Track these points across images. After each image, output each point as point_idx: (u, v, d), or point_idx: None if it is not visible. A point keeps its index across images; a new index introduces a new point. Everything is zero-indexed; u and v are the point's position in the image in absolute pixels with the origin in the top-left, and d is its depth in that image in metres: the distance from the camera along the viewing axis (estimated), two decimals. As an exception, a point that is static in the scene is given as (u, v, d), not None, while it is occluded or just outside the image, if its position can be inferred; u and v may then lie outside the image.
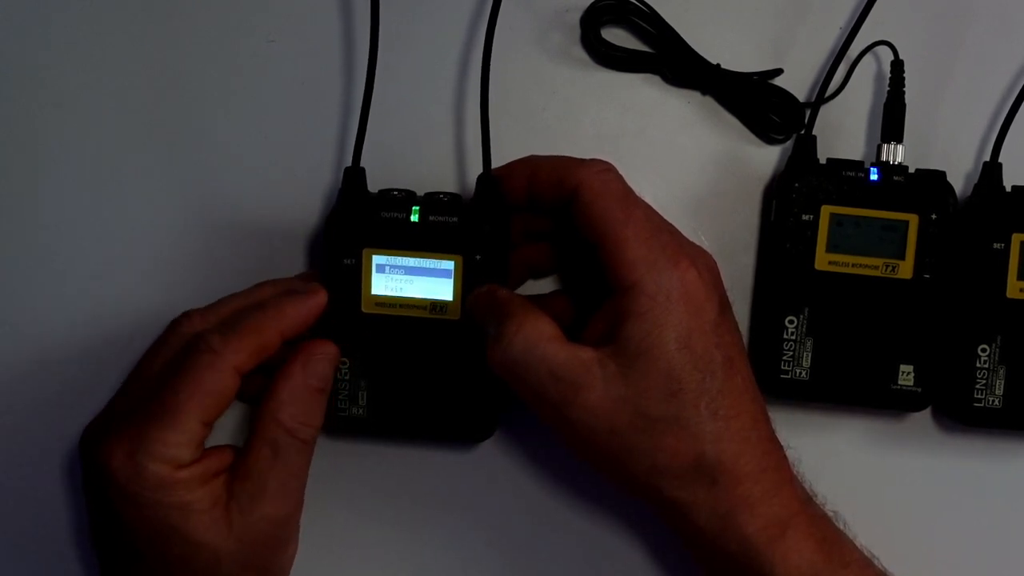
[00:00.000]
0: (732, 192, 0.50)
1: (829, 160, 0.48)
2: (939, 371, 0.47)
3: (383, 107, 0.47)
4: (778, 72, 0.49)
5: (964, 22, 0.50)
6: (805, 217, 0.47)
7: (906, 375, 0.47)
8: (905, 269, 0.47)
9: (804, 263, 0.47)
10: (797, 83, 0.49)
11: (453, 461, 0.50)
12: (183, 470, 0.41)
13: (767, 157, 0.50)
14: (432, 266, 0.45)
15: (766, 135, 0.50)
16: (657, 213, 0.44)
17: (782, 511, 0.42)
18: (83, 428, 0.44)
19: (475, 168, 0.47)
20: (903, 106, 0.48)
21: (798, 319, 0.47)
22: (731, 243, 0.50)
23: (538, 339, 0.41)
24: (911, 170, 0.47)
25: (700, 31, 0.49)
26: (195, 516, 0.41)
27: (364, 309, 0.46)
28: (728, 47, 0.50)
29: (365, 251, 0.45)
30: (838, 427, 0.50)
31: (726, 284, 0.44)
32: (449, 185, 0.50)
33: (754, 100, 0.49)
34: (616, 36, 0.50)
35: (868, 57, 0.49)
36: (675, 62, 0.49)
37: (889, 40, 0.48)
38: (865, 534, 0.44)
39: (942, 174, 0.47)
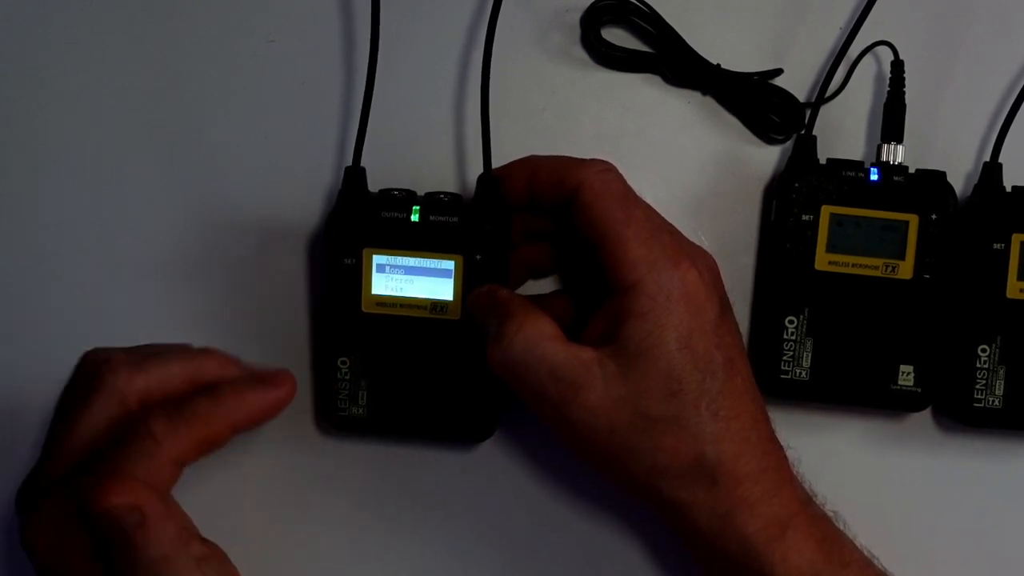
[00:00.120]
0: (732, 192, 0.50)
1: (829, 160, 0.48)
2: (939, 371, 0.47)
3: (383, 107, 0.47)
4: (778, 72, 0.49)
5: (964, 22, 0.50)
6: (805, 217, 0.47)
7: (906, 375, 0.47)
8: (905, 269, 0.47)
9: (804, 263, 0.47)
10: (797, 83, 0.49)
11: (453, 461, 0.50)
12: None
13: (767, 157, 0.50)
14: (432, 266, 0.45)
15: (766, 135, 0.50)
16: (657, 213, 0.44)
17: (782, 511, 0.42)
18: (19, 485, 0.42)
19: (475, 168, 0.47)
20: (903, 106, 0.48)
21: (798, 319, 0.47)
22: (731, 243, 0.50)
23: (538, 339, 0.41)
24: (911, 170, 0.47)
25: (700, 31, 0.49)
26: None
27: (364, 309, 0.46)
28: (728, 47, 0.50)
29: (365, 251, 0.45)
30: (838, 427, 0.50)
31: (726, 284, 0.44)
32: (449, 185, 0.50)
33: (754, 100, 0.49)
34: (616, 36, 0.50)
35: (868, 57, 0.49)
36: (675, 62, 0.49)
37: (889, 40, 0.48)
38: (865, 534, 0.44)
39: (942, 174, 0.47)
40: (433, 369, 0.46)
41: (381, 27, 0.46)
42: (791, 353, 0.47)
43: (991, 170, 0.48)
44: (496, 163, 0.46)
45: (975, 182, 0.49)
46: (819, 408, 0.49)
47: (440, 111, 0.50)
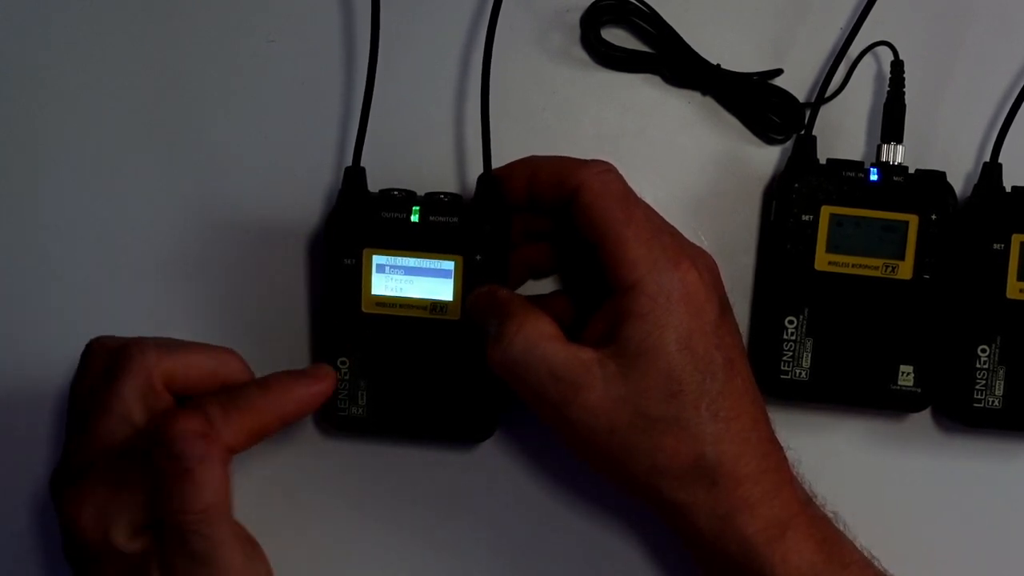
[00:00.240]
0: (732, 192, 0.50)
1: (829, 160, 0.48)
2: (939, 371, 0.47)
3: (383, 107, 0.47)
4: (778, 72, 0.49)
5: (964, 22, 0.50)
6: (805, 217, 0.47)
7: (906, 375, 0.47)
8: (905, 269, 0.47)
9: (804, 263, 0.47)
10: (797, 83, 0.49)
11: (453, 461, 0.50)
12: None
13: (767, 157, 0.50)
14: (432, 266, 0.45)
15: (766, 135, 0.50)
16: (657, 214, 0.44)
17: (782, 512, 0.42)
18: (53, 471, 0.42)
19: (475, 168, 0.47)
20: (903, 106, 0.48)
21: (798, 319, 0.47)
22: (731, 243, 0.50)
23: (538, 339, 0.41)
24: (911, 170, 0.47)
25: (700, 31, 0.49)
26: None
27: (364, 309, 0.46)
28: (728, 47, 0.50)
29: (365, 251, 0.45)
30: (838, 427, 0.50)
31: (726, 284, 0.44)
32: (449, 185, 0.50)
33: (754, 100, 0.49)
34: (616, 36, 0.50)
35: (868, 57, 0.49)
36: (675, 62, 0.49)
37: (889, 40, 0.48)
38: (865, 534, 0.44)
39: (942, 174, 0.47)
40: (433, 369, 0.46)
41: (381, 27, 0.46)
42: (791, 353, 0.47)
43: (991, 170, 0.48)
44: (496, 163, 0.46)
45: (975, 182, 0.49)
46: (819, 408, 0.49)
47: (440, 111, 0.50)
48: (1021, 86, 0.48)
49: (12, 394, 0.50)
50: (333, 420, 0.47)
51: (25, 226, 0.50)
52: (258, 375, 0.44)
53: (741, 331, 0.45)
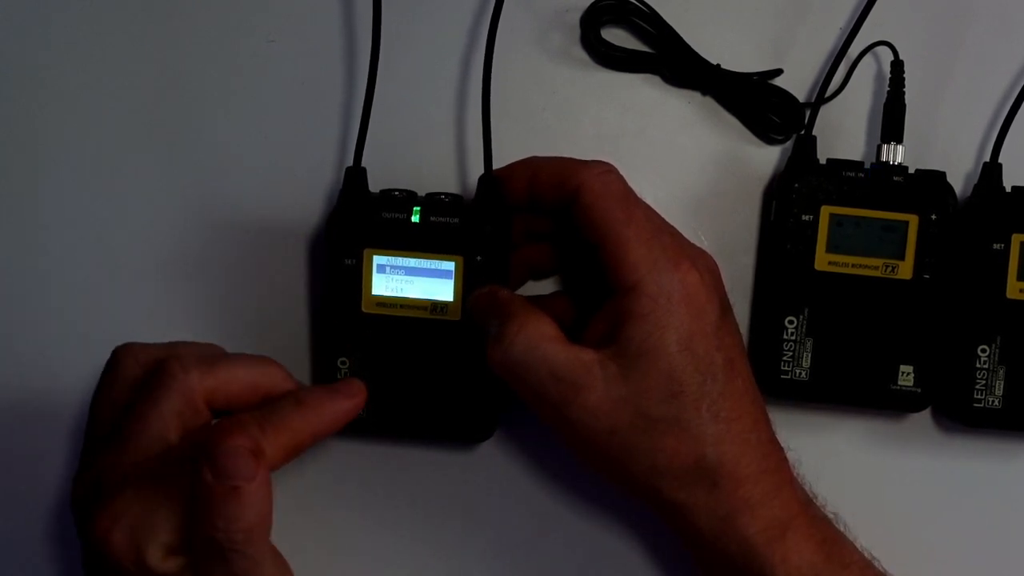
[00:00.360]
0: (732, 192, 0.50)
1: (829, 160, 0.48)
2: (939, 371, 0.47)
3: (384, 107, 0.47)
4: (778, 72, 0.49)
5: (964, 22, 0.50)
6: (805, 217, 0.47)
7: (906, 375, 0.47)
8: (905, 269, 0.47)
9: (804, 263, 0.47)
10: (797, 83, 0.49)
11: (453, 461, 0.50)
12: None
13: (767, 157, 0.50)
14: (433, 267, 0.45)
15: (766, 135, 0.50)
16: (658, 214, 0.44)
17: (782, 513, 0.42)
18: (72, 478, 0.41)
19: (476, 168, 0.47)
20: (903, 106, 0.48)
21: (798, 319, 0.47)
22: (731, 243, 0.50)
23: (539, 340, 0.41)
24: (911, 170, 0.47)
25: (700, 31, 0.49)
26: None
27: (364, 309, 0.46)
28: (728, 47, 0.50)
29: (366, 251, 0.45)
30: (838, 427, 0.50)
31: (726, 285, 0.44)
32: (450, 186, 0.50)
33: (754, 100, 0.49)
34: (616, 36, 0.50)
35: (868, 57, 0.49)
36: (675, 62, 0.49)
37: (889, 40, 0.48)
38: (865, 535, 0.44)
39: (942, 174, 0.47)
40: (433, 370, 0.46)
41: (382, 27, 0.46)
42: (791, 353, 0.47)
43: (991, 170, 0.48)
44: (497, 163, 0.46)
45: (975, 182, 0.49)
46: (819, 408, 0.49)
47: (441, 111, 0.50)
48: (1021, 86, 0.48)
49: (12, 394, 0.50)
50: (333, 420, 0.47)
51: (25, 226, 0.50)
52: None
53: (741, 331, 0.45)
